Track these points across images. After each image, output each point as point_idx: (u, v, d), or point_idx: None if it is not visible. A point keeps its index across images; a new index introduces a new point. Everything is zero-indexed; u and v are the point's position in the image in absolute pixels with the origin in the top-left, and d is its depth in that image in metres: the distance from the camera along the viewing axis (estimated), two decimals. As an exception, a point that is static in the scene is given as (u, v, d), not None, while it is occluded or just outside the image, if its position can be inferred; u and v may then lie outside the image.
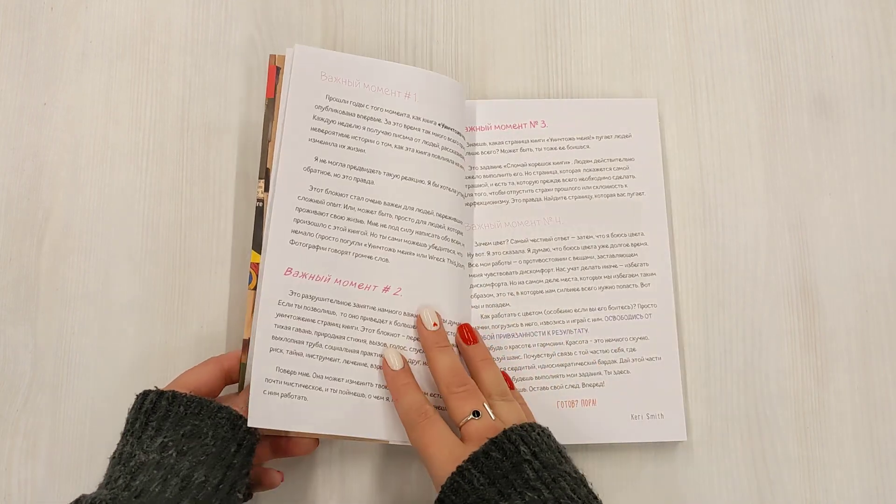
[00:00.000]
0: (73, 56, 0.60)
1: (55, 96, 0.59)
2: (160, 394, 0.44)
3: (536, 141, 0.57)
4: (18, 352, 0.54)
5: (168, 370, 0.54)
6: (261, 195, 0.51)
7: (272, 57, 0.53)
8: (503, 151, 0.57)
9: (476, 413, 0.45)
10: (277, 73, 0.53)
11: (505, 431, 0.42)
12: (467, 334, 0.50)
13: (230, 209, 0.57)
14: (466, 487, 0.41)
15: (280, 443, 0.49)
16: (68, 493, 0.52)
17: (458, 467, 0.41)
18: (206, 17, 0.61)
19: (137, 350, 0.54)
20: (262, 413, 0.47)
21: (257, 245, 0.51)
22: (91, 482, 0.52)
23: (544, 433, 0.44)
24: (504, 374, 0.51)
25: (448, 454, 0.43)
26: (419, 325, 0.50)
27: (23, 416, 0.53)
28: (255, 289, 0.50)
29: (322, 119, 0.52)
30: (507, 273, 0.55)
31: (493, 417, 0.45)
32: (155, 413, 0.43)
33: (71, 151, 0.58)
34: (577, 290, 0.54)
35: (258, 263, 0.50)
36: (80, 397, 0.54)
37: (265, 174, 0.52)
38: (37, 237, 0.56)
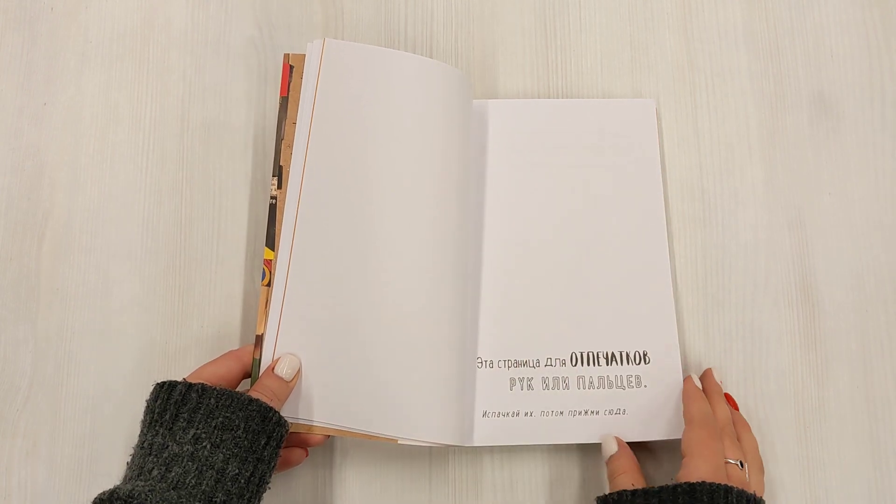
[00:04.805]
0: (73, 56, 0.60)
1: (55, 96, 0.59)
2: (189, 386, 0.44)
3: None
4: (18, 352, 0.54)
5: (168, 369, 0.54)
6: (274, 192, 0.52)
7: (286, 56, 0.53)
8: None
9: (741, 464, 0.47)
10: (291, 72, 0.53)
11: (759, 498, 0.44)
12: (731, 401, 0.53)
13: (231, 208, 0.57)
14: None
15: (290, 436, 0.49)
16: (68, 493, 0.52)
17: (726, 487, 0.43)
18: (206, 17, 0.61)
19: (137, 350, 0.54)
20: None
21: (270, 242, 0.51)
22: (91, 482, 0.52)
23: None
24: (728, 396, 0.53)
25: (714, 468, 0.44)
26: (707, 374, 0.53)
27: (23, 416, 0.53)
28: (268, 285, 0.50)
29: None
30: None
31: (748, 479, 0.46)
32: (185, 405, 0.43)
33: (71, 151, 0.58)
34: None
35: (271, 260, 0.51)
36: (80, 397, 0.54)
37: (278, 172, 0.52)
38: (37, 237, 0.56)
